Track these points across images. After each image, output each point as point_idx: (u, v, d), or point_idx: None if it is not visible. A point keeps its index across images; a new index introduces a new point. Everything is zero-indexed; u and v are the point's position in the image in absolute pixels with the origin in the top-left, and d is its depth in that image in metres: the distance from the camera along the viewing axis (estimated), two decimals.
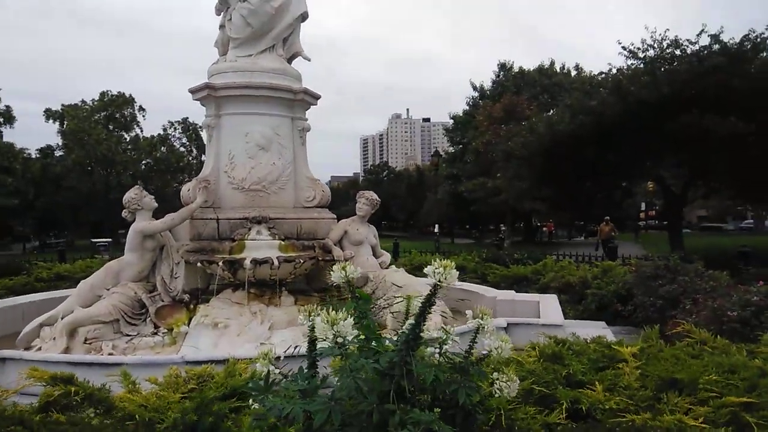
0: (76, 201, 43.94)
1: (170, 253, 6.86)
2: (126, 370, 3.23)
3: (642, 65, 17.31)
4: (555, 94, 34.04)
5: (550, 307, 7.24)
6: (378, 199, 7.54)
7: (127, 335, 6.27)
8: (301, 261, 6.55)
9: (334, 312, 2.17)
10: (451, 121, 45.05)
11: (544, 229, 44.28)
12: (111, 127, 51.29)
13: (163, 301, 6.61)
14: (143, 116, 53.97)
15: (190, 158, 58.13)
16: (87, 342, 6.05)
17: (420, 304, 2.57)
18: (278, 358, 2.54)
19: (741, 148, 15.01)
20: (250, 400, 2.59)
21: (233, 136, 7.31)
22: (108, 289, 6.52)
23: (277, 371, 2.47)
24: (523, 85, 35.05)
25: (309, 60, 7.86)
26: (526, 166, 19.44)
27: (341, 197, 47.03)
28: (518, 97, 31.69)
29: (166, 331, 6.25)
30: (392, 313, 6.90)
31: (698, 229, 57.36)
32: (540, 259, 11.79)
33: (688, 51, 16.42)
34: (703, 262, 7.85)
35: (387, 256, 7.58)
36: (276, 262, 6.27)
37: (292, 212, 7.40)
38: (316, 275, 7.23)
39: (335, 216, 7.71)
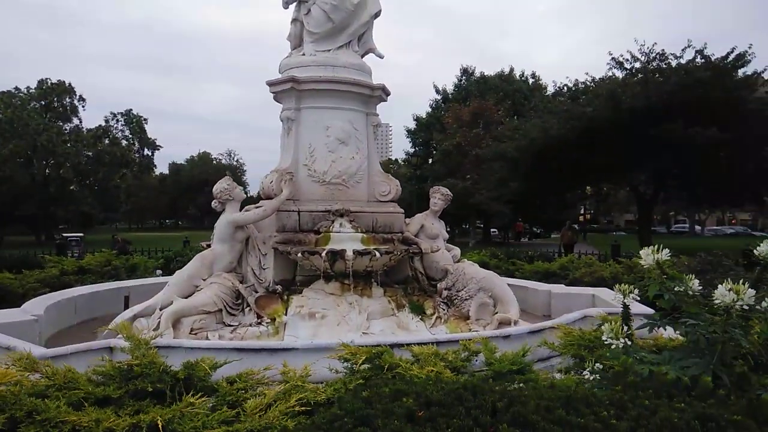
0: (13, 194, 41.16)
1: (256, 244, 6.86)
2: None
3: (627, 75, 18.55)
4: (516, 100, 35.45)
5: (610, 299, 7.72)
6: (451, 194, 7.81)
7: (229, 325, 6.25)
8: (397, 253, 6.74)
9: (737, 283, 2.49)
10: (407, 124, 45.70)
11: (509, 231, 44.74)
12: (48, 116, 48.37)
13: (256, 291, 6.61)
14: (83, 107, 51.42)
15: (134, 152, 55.89)
16: (193, 332, 5.99)
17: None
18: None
19: (715, 156, 16.38)
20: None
21: (313, 129, 7.38)
22: (204, 279, 6.46)
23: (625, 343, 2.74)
24: (486, 91, 36.22)
25: (382, 57, 8.02)
26: (514, 168, 20.30)
27: None
28: (485, 101, 32.74)
29: (269, 321, 6.26)
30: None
31: (633, 232, 60.99)
32: (549, 258, 12.44)
33: (673, 64, 17.77)
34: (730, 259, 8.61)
35: (457, 250, 7.85)
36: (377, 254, 6.42)
37: (368, 206, 7.54)
38: (395, 267, 7.41)
39: (403, 210, 7.91)
